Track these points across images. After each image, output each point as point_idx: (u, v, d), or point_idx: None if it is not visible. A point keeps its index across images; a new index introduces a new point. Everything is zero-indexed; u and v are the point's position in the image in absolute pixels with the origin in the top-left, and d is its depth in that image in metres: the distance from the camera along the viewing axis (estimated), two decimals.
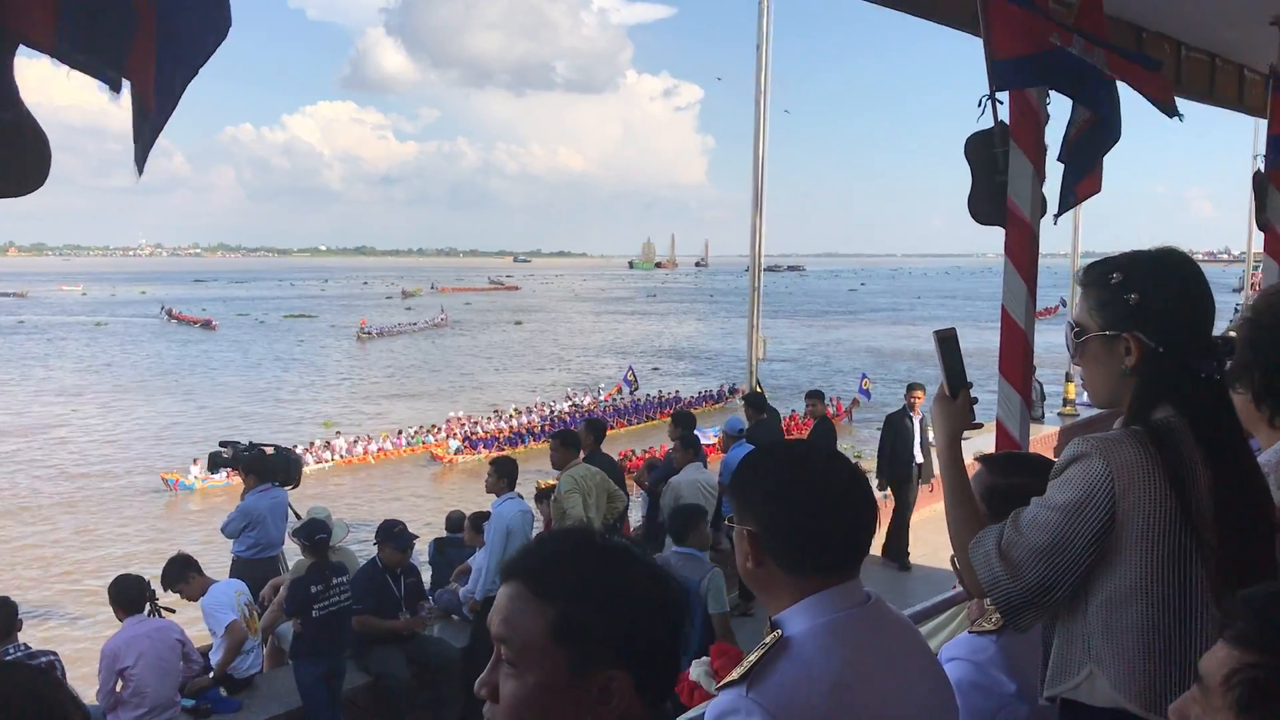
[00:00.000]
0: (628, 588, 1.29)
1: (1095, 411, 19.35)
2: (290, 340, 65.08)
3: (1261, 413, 2.11)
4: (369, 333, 65.37)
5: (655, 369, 49.52)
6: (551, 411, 32.65)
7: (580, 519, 7.61)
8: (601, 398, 36.36)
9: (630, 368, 38.71)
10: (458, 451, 28.40)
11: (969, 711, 2.05)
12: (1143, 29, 5.57)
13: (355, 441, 28.91)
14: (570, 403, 34.64)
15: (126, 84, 1.79)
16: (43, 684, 1.34)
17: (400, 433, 30.15)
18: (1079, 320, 1.93)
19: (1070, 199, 3.98)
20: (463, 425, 30.61)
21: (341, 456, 27.78)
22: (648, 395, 36.22)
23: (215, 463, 8.93)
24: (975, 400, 2.12)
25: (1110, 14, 4.43)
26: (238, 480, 8.88)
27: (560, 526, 7.56)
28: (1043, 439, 15.79)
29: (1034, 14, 3.42)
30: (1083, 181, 3.93)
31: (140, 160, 1.84)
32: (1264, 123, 5.85)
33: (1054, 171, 3.93)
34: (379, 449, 28.84)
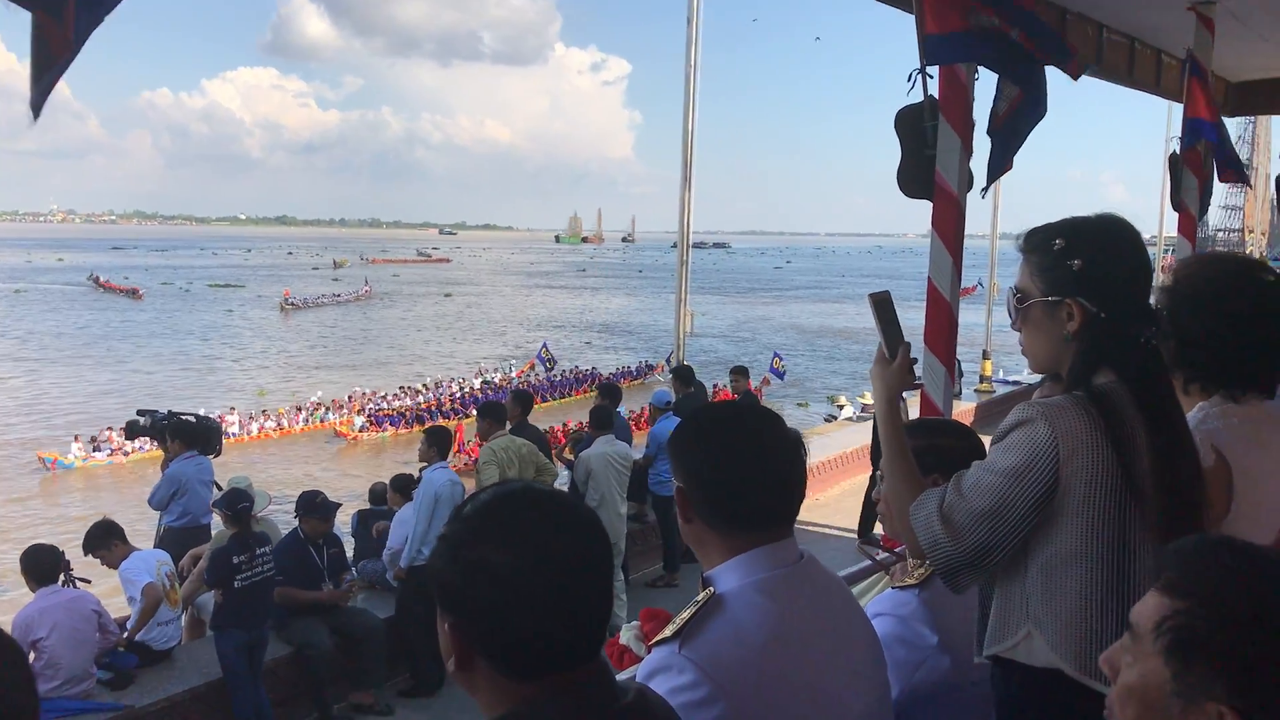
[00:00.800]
0: (484, 559, 1.26)
1: (1011, 389, 19.95)
2: (218, 310, 63.42)
3: (1175, 379, 2.18)
4: (293, 304, 63.80)
5: (588, 343, 49.47)
6: (462, 389, 31.50)
7: None
8: (514, 375, 34.75)
9: (545, 344, 36.37)
10: (362, 429, 27.28)
11: (894, 664, 2.08)
12: (1066, 10, 5.69)
13: (251, 418, 27.25)
14: (481, 379, 33.19)
15: (36, 25, 1.74)
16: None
17: (299, 409, 28.51)
18: (1021, 286, 1.94)
19: (997, 174, 4.05)
20: (369, 401, 29.38)
21: (231, 435, 24.82)
22: (564, 371, 34.61)
23: (133, 431, 8.71)
24: (915, 360, 2.13)
25: None
26: (121, 459, 8.83)
27: None
28: (960, 415, 16.16)
29: None
30: (1011, 156, 3.99)
31: (37, 104, 1.78)
32: (1179, 106, 6.00)
33: (980, 147, 3.99)
34: (276, 426, 27.22)
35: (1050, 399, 1.86)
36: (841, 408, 23.42)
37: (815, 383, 36.72)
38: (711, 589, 1.71)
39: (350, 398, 29.94)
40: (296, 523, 7.33)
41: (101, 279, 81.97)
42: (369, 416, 27.99)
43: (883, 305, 2.09)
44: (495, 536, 1.27)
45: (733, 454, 1.73)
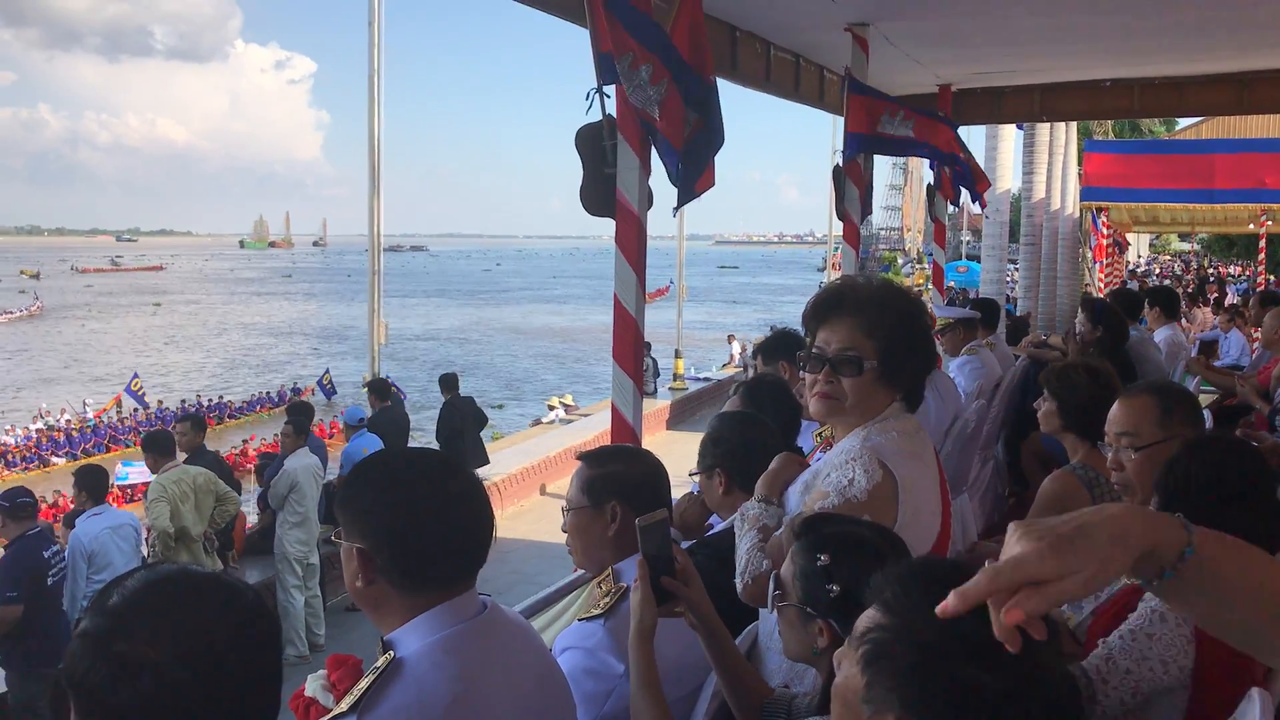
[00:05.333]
0: (137, 655, 1.15)
1: (702, 385, 21.01)
2: None
3: (881, 392, 2.22)
4: None
5: (314, 349, 48.02)
6: (17, 436, 25.52)
7: (166, 530, 6.95)
8: (90, 415, 27.71)
9: (135, 374, 30.05)
10: None
11: (583, 697, 2.09)
12: (736, 28, 5.96)
13: None
14: (42, 423, 26.77)
15: None
16: None
17: None
18: (783, 577, 1.92)
19: (688, 195, 4.11)
20: None
21: None
22: (182, 404, 27.17)
23: None
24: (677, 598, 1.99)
25: (708, 12, 4.69)
26: None
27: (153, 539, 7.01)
28: (656, 412, 16.85)
29: (632, 17, 3.48)
30: (700, 178, 4.06)
31: None
32: (842, 120, 6.40)
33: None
34: None
35: None
36: (554, 409, 23.21)
37: (530, 385, 36.86)
38: (391, 653, 1.64)
39: None
40: None
41: None
42: None
43: (651, 531, 1.96)
44: (149, 629, 1.15)
45: (420, 513, 1.66)
